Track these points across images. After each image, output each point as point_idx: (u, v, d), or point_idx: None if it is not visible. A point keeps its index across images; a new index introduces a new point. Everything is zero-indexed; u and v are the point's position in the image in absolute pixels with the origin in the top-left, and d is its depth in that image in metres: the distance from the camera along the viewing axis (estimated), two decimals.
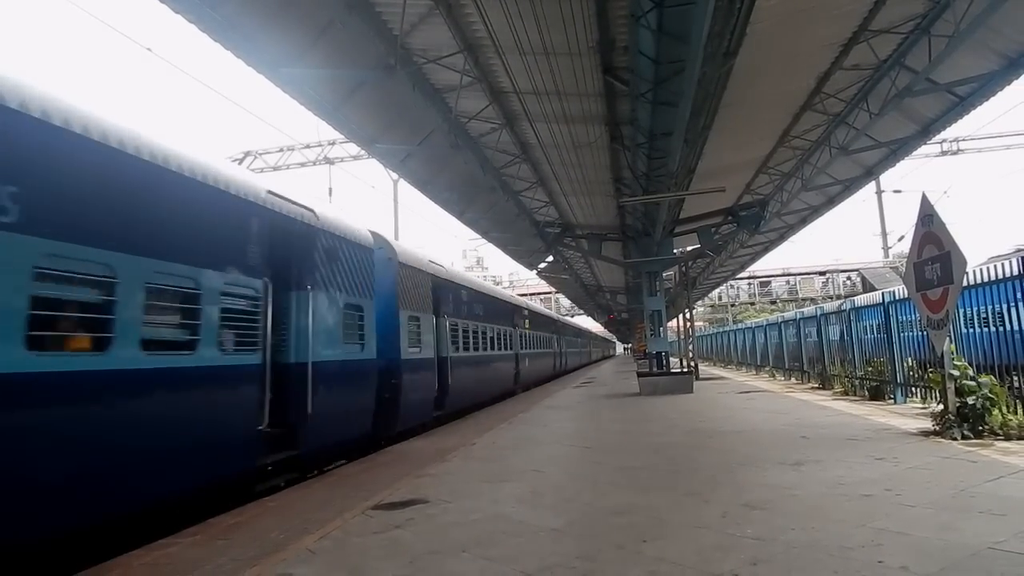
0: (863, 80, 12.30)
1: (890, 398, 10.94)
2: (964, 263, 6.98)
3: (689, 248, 22.63)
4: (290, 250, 7.37)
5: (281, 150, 25.88)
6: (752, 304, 62.98)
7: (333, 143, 24.98)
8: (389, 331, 9.99)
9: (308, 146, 25.65)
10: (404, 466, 7.36)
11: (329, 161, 25.47)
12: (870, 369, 11.93)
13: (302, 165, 26.02)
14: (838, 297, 46.38)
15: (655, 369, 17.46)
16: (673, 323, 35.75)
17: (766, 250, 29.74)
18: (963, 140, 27.75)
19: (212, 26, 8.36)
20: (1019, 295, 7.23)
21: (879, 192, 37.65)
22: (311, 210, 7.78)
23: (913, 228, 7.94)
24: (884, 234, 39.45)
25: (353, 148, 23.47)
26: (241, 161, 25.29)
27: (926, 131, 14.62)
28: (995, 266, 7.80)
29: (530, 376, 22.95)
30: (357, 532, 4.60)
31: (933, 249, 7.42)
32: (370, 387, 9.04)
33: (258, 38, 8.98)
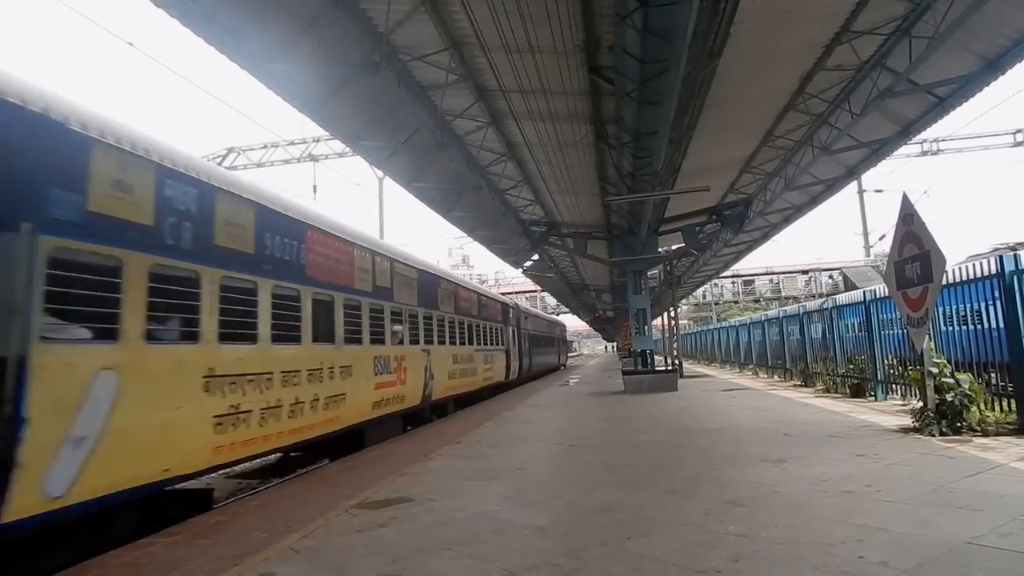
0: (845, 81, 12.42)
1: (871, 395, 11.07)
2: (943, 262, 7.06)
3: (674, 247, 22.78)
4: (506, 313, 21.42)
5: (265, 147, 25.50)
6: (736, 302, 63.38)
7: (318, 140, 24.68)
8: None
9: (292, 143, 25.28)
10: (388, 465, 7.33)
11: (314, 158, 25.14)
12: (851, 367, 12.06)
13: (286, 162, 25.62)
14: (820, 295, 46.86)
15: (640, 367, 17.54)
16: (658, 321, 35.98)
17: (750, 249, 30.00)
18: (943, 140, 28.00)
19: (194, 20, 8.24)
20: (996, 294, 7.34)
21: (861, 191, 37.88)
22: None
23: (894, 227, 8.03)
24: (866, 233, 39.72)
25: (338, 145, 23.20)
26: (224, 158, 24.95)
27: (907, 131, 14.80)
28: (973, 265, 7.91)
29: None
30: (340, 531, 4.57)
31: (913, 248, 7.51)
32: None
33: (241, 33, 8.86)
